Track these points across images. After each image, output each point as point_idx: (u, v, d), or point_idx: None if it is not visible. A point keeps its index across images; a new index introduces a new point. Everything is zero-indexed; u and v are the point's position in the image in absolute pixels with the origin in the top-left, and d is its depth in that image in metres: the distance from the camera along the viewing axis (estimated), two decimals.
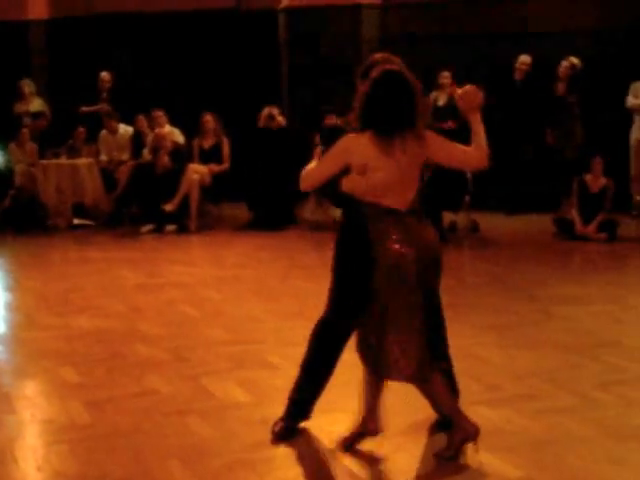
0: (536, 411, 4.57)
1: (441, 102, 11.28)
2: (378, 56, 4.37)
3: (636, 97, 10.70)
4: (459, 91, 4.15)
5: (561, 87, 11.17)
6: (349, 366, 5.03)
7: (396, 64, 4.17)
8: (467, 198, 10.05)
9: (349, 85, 12.34)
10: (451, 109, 11.11)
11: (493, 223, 10.73)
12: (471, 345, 5.77)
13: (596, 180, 9.83)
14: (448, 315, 6.47)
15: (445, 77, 11.23)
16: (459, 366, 5.32)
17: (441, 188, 9.74)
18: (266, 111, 11.05)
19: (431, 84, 11.28)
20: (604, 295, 7.22)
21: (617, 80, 10.92)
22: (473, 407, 4.59)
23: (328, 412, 4.57)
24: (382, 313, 4.01)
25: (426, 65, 11.70)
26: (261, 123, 11.09)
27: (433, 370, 4.05)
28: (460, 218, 10.26)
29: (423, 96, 4.08)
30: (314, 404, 4.44)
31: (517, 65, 11.35)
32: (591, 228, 9.65)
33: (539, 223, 10.47)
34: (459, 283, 7.94)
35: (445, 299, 7.04)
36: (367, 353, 4.12)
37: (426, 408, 4.32)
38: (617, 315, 6.55)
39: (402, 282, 3.96)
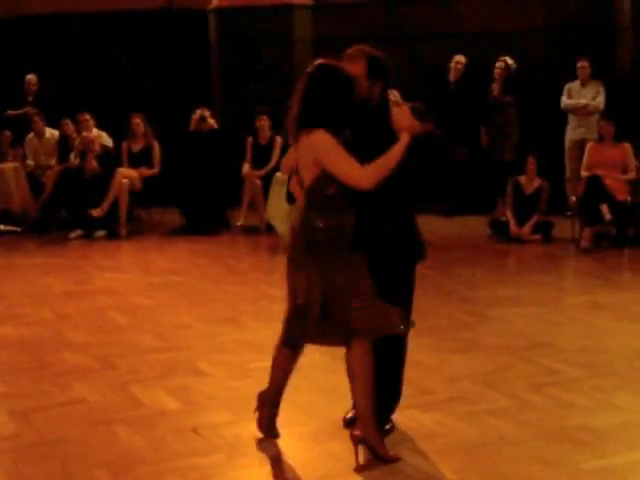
0: (469, 414, 4.52)
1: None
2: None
3: (570, 98, 10.80)
4: (395, 109, 4.08)
5: (496, 88, 11.22)
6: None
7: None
8: None
9: (281, 86, 12.36)
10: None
11: (429, 225, 10.62)
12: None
13: (530, 181, 9.88)
14: None
15: None
16: None
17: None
18: (197, 113, 10.90)
19: None
20: (538, 297, 7.23)
21: (552, 81, 11.00)
22: (406, 411, 4.54)
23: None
24: None
25: None
26: (192, 125, 10.93)
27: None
28: None
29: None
30: None
31: (452, 65, 11.38)
32: (526, 229, 9.69)
33: (474, 225, 10.50)
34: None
35: None
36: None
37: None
38: (551, 317, 6.56)
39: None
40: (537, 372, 5.19)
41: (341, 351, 5.35)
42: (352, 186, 3.88)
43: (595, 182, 9.35)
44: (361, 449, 4.00)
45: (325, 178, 3.93)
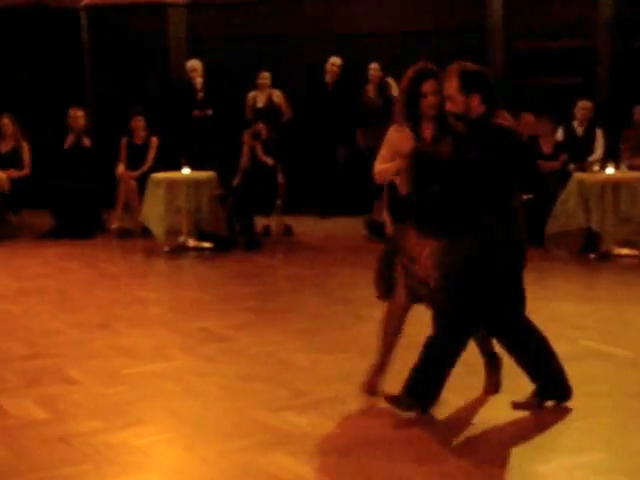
0: (342, 414, 4.54)
1: (260, 103, 11.24)
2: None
3: None
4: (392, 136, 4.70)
5: (371, 90, 11.35)
6: (154, 379, 4.88)
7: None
8: (279, 202, 10.01)
9: (156, 85, 12.06)
10: (271, 109, 11.16)
11: (307, 226, 10.75)
12: (279, 351, 5.71)
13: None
14: (256, 321, 6.52)
15: (264, 77, 11.21)
16: (266, 372, 5.29)
17: (252, 192, 9.74)
18: (71, 113, 10.62)
19: (250, 84, 11.27)
20: None
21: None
22: (279, 413, 4.54)
23: (132, 425, 4.45)
24: None
25: (241, 65, 11.72)
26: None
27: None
28: (273, 222, 10.21)
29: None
30: None
31: (327, 67, 11.44)
32: None
33: (352, 226, 10.56)
34: (271, 288, 7.90)
35: (255, 304, 7.10)
36: None
37: None
38: (425, 317, 6.52)
39: None
40: (407, 371, 5.20)
41: (215, 355, 5.33)
42: None
43: None
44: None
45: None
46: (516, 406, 4.63)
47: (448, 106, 4.44)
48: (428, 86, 4.54)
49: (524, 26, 11.49)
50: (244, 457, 4.04)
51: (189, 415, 4.59)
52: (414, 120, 4.64)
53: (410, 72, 4.66)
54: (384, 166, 4.75)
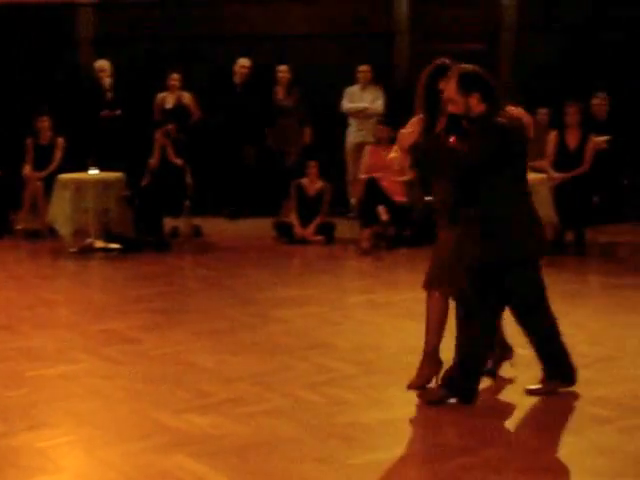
0: (244, 415, 4.56)
1: (169, 104, 11.17)
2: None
3: (351, 101, 11.12)
4: (401, 130, 4.77)
5: (280, 91, 11.41)
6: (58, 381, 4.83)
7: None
8: (188, 203, 9.98)
9: (64, 85, 11.84)
10: (179, 110, 11.09)
11: (216, 228, 10.74)
12: (184, 352, 5.71)
13: (312, 184, 10.09)
14: (162, 322, 6.50)
15: (174, 79, 11.15)
16: (170, 374, 5.29)
17: (161, 193, 9.69)
18: None
19: (160, 85, 11.19)
20: (320, 297, 7.37)
21: (336, 84, 11.27)
22: (181, 414, 4.54)
23: (35, 428, 4.41)
24: None
25: (150, 65, 11.64)
26: None
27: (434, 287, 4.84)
28: (181, 223, 10.18)
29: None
30: None
31: (236, 68, 11.44)
32: (309, 231, 9.88)
33: (260, 227, 10.59)
34: (178, 289, 7.88)
35: (161, 305, 7.07)
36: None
37: None
38: (331, 317, 6.71)
39: None
40: (313, 371, 5.29)
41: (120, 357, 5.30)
42: None
43: (373, 184, 9.67)
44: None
45: None
46: (530, 392, 4.85)
47: (450, 108, 4.62)
48: (445, 82, 4.70)
49: (429, 29, 11.69)
50: (145, 459, 4.04)
51: (91, 417, 4.56)
52: (431, 114, 4.85)
53: (429, 68, 4.91)
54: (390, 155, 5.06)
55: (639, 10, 11.24)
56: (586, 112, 9.67)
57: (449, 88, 4.60)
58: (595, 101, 10.02)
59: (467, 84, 4.57)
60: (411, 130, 4.82)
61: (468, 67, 4.65)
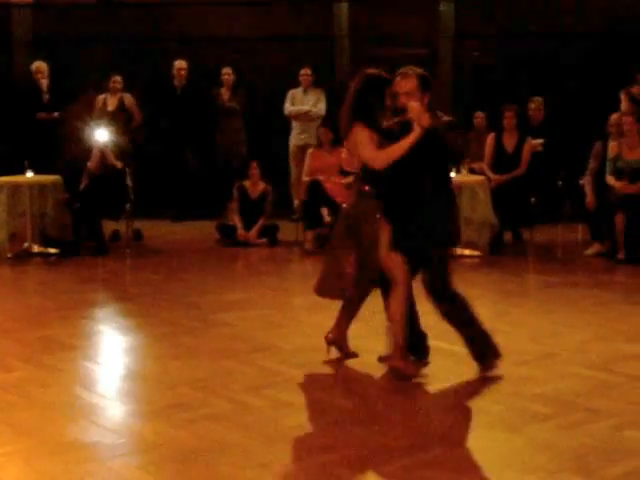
0: (186, 420, 4.51)
1: (111, 107, 11.06)
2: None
3: (294, 104, 11.12)
4: (411, 103, 4.92)
5: (225, 94, 11.38)
6: None
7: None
8: (128, 206, 9.88)
9: (2, 87, 11.49)
10: (121, 113, 10.98)
11: (158, 231, 10.66)
12: (125, 358, 5.65)
13: (255, 186, 10.07)
14: (102, 328, 6.43)
15: (116, 81, 11.04)
16: (111, 381, 5.23)
17: (100, 196, 9.57)
18: None
19: (99, 87, 11.07)
20: (263, 300, 7.36)
21: (280, 88, 11.27)
22: (123, 422, 4.48)
23: None
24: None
25: (89, 67, 11.52)
26: None
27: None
28: (122, 226, 10.07)
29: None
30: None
31: (174, 71, 11.38)
32: (252, 233, 9.86)
33: (204, 230, 10.54)
34: (118, 294, 7.79)
35: (101, 311, 6.99)
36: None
37: None
38: (274, 319, 6.69)
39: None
40: (256, 375, 5.27)
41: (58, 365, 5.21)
42: (372, 167, 5.03)
43: (316, 186, 9.69)
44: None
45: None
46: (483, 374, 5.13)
47: (403, 100, 4.97)
48: (399, 82, 5.07)
49: (370, 34, 11.76)
50: (86, 468, 3.97)
51: (29, 427, 4.47)
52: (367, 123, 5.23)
53: (360, 79, 5.22)
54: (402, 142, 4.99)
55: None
56: (522, 116, 9.83)
57: (407, 84, 4.99)
58: (531, 105, 10.22)
59: (425, 84, 5.04)
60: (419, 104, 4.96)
61: (423, 71, 5.09)
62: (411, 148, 4.93)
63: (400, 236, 5.09)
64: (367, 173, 5.14)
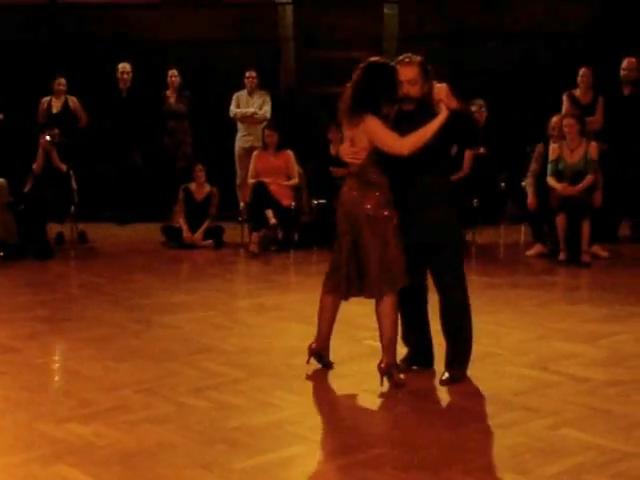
0: (128, 423, 4.51)
1: (56, 109, 10.98)
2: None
3: (239, 106, 11.13)
4: (436, 85, 4.98)
5: (171, 96, 11.37)
6: None
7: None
8: (73, 208, 9.81)
9: None
10: (66, 115, 10.91)
11: (103, 233, 10.61)
12: (68, 360, 5.66)
13: (200, 188, 10.07)
14: (45, 331, 6.39)
15: (60, 83, 10.98)
16: (53, 383, 5.21)
17: (45, 199, 9.50)
18: None
19: (45, 89, 11.00)
20: (208, 302, 7.36)
21: (226, 90, 11.26)
22: (64, 424, 4.47)
23: None
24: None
25: (34, 69, 11.43)
26: None
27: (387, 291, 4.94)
28: (66, 229, 10.00)
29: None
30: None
31: (118, 74, 11.35)
32: (198, 235, 9.86)
33: (149, 232, 10.52)
34: (62, 296, 7.73)
35: (45, 314, 6.94)
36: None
37: None
38: (218, 321, 6.70)
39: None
40: (199, 376, 5.28)
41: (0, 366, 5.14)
42: (395, 154, 4.86)
43: (260, 188, 9.71)
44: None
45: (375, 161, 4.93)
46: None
47: (408, 89, 4.98)
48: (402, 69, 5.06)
49: (314, 36, 11.81)
50: (26, 470, 3.96)
51: None
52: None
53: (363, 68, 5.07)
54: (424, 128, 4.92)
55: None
56: None
57: (410, 72, 4.99)
58: (473, 108, 10.31)
59: (426, 71, 5.06)
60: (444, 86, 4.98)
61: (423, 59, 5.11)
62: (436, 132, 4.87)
63: (418, 226, 5.00)
64: (378, 162, 4.95)
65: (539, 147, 9.43)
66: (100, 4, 12.12)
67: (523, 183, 9.46)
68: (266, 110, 11.08)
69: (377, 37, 11.77)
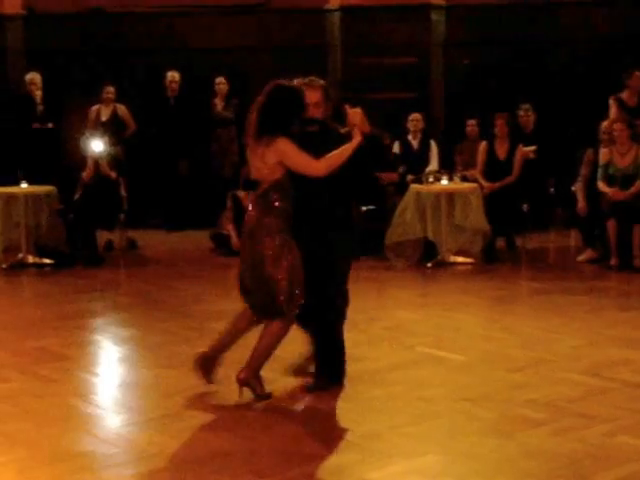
0: (180, 430, 4.53)
1: (104, 117, 11.10)
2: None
3: None
4: (350, 110, 5.06)
5: (219, 104, 11.45)
6: None
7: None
8: (122, 216, 9.90)
9: None
10: (115, 123, 11.02)
11: (152, 240, 10.68)
12: (118, 367, 5.68)
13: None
14: (96, 338, 6.44)
15: (109, 92, 11.10)
16: (106, 391, 5.24)
17: (95, 207, 9.59)
18: None
19: (93, 97, 11.12)
20: None
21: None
22: (118, 431, 4.50)
23: None
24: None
25: (82, 78, 11.56)
26: None
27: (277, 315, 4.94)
28: (116, 236, 10.09)
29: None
30: None
31: (166, 82, 11.43)
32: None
33: (197, 239, 10.56)
34: (112, 304, 7.80)
35: (95, 321, 6.99)
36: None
37: None
38: None
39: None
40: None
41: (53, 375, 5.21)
42: (310, 175, 4.88)
43: None
44: (245, 389, 4.95)
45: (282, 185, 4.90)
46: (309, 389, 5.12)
47: (313, 112, 5.06)
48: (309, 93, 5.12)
49: (361, 43, 11.80)
50: (79, 478, 4.00)
51: (23, 437, 4.49)
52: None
53: (271, 89, 5.09)
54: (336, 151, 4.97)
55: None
56: (514, 123, 9.88)
57: (315, 95, 5.07)
58: (520, 113, 10.27)
59: (328, 94, 5.17)
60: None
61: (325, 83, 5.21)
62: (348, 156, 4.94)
63: (318, 250, 5.00)
64: (282, 187, 4.91)
65: (589, 152, 9.32)
66: (150, 13, 12.22)
67: (573, 188, 9.35)
68: None
69: (424, 43, 11.73)
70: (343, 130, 5.10)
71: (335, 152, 4.92)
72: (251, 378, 4.97)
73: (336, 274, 5.12)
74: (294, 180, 4.91)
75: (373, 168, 6.12)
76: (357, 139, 4.95)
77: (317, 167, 4.89)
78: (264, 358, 5.01)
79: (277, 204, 4.89)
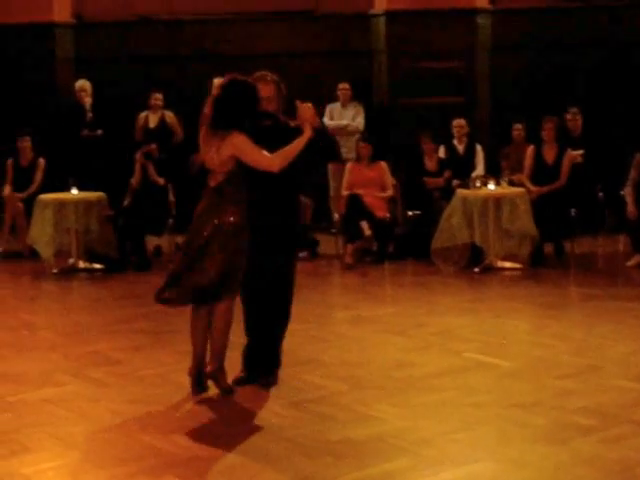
0: (233, 434, 4.57)
1: (152, 124, 11.20)
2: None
3: (332, 119, 11.14)
4: (300, 105, 5.18)
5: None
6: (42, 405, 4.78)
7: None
8: (171, 221, 9.99)
9: (45, 105, 11.77)
10: (163, 130, 11.12)
11: None
12: (171, 372, 5.72)
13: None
14: (148, 342, 6.51)
15: (157, 98, 11.19)
16: (158, 395, 5.29)
17: (143, 213, 9.70)
18: None
19: (140, 105, 11.23)
20: (304, 314, 7.26)
21: (317, 103, 11.29)
22: (170, 436, 4.54)
23: (18, 453, 4.38)
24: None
25: (130, 85, 11.70)
26: None
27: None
28: (165, 242, 10.18)
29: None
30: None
31: (213, 90, 11.41)
32: None
33: None
34: (163, 308, 7.76)
35: (146, 326, 7.07)
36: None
37: None
38: (316, 333, 6.71)
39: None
40: (299, 388, 5.31)
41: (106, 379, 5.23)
42: (264, 170, 5.01)
43: (355, 200, 9.73)
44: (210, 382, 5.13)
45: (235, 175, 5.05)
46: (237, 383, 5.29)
47: (267, 106, 5.22)
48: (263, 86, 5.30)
49: (407, 48, 11.79)
50: None
51: (78, 441, 4.55)
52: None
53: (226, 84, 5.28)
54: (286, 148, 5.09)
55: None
56: (562, 127, 9.81)
57: (268, 89, 5.26)
58: (568, 116, 10.20)
59: (280, 89, 5.35)
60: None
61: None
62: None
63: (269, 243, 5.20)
64: (237, 180, 5.08)
65: (638, 155, 9.22)
66: (198, 20, 12.33)
67: (622, 192, 9.26)
68: (359, 122, 11.11)
69: (470, 47, 11.70)
70: (293, 124, 5.23)
71: (288, 147, 5.07)
72: (216, 371, 5.16)
73: (280, 261, 5.28)
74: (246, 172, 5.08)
75: (322, 159, 6.29)
76: (307, 133, 5.09)
77: (271, 162, 5.04)
78: (223, 347, 5.22)
79: (231, 196, 5.06)
